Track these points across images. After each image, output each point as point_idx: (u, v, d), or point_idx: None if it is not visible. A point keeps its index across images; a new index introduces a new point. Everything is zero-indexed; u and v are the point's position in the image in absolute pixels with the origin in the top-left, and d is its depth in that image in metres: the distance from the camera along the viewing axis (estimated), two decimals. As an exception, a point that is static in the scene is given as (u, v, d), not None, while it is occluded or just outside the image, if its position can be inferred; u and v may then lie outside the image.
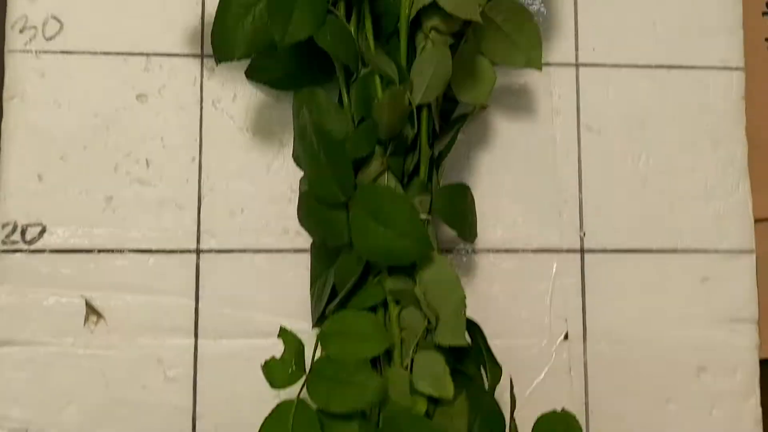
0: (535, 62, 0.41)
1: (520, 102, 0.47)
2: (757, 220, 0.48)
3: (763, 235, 0.49)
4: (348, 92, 0.40)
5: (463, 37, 0.41)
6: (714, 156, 0.48)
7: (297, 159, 0.40)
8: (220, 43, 0.37)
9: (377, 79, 0.38)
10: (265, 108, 0.45)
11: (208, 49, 0.43)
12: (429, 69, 0.38)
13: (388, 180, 0.38)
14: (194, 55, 0.45)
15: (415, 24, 0.39)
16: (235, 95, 0.45)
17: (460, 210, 0.40)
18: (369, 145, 0.37)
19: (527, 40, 0.41)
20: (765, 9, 0.51)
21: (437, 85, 0.38)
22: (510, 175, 0.46)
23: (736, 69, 0.48)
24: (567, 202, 0.46)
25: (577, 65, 0.47)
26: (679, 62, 0.48)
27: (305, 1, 0.37)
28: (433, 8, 0.38)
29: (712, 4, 0.49)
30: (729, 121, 0.48)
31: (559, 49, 0.47)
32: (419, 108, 0.38)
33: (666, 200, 0.47)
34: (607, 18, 0.48)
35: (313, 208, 0.39)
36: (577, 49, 0.48)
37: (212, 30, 0.38)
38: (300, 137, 0.39)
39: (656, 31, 0.48)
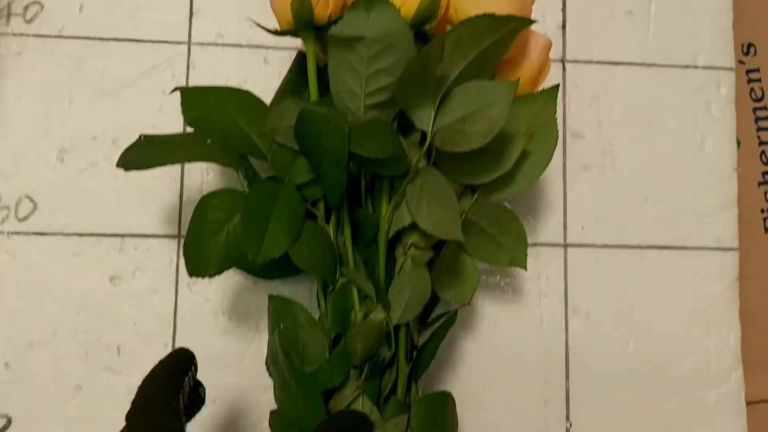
0: (520, 262, 0.40)
1: (506, 284, 0.45)
2: (749, 403, 0.47)
3: (755, 418, 0.47)
4: (325, 298, 0.38)
5: (445, 243, 0.39)
6: (706, 341, 0.46)
7: (269, 369, 0.38)
8: (192, 259, 0.36)
9: (355, 293, 0.37)
10: (242, 291, 0.44)
11: (186, 228, 0.41)
12: (407, 289, 0.36)
13: (363, 404, 0.36)
14: (170, 236, 0.44)
15: (395, 237, 0.38)
16: (211, 277, 0.44)
17: (440, 424, 0.38)
18: (342, 374, 0.35)
19: (512, 240, 0.40)
20: (762, 179, 0.50)
21: (416, 304, 0.37)
22: (495, 361, 0.45)
23: (730, 249, 0.47)
24: (553, 389, 0.45)
25: (565, 246, 0.46)
26: (671, 242, 0.47)
27: (281, 216, 0.36)
28: (413, 228, 0.36)
29: (707, 181, 0.47)
30: (722, 305, 0.46)
31: (547, 229, 0.46)
32: (396, 327, 0.37)
33: (655, 388, 0.45)
34: (597, 195, 0.47)
35: (284, 428, 0.37)
36: (565, 228, 0.46)
37: (184, 244, 0.36)
38: (272, 357, 0.37)
39: (647, 209, 0.47)
